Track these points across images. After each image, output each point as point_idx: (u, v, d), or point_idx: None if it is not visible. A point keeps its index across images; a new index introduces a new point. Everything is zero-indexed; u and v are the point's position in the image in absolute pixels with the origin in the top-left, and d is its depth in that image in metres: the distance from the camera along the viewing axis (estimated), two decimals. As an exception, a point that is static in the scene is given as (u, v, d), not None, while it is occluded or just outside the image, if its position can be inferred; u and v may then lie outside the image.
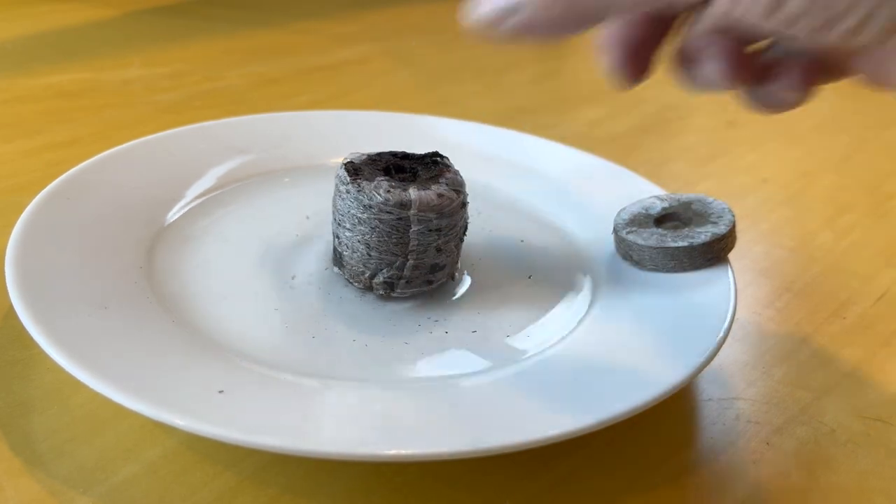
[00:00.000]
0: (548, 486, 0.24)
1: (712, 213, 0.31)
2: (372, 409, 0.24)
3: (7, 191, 0.39)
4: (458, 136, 0.42)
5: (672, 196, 0.33)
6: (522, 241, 0.35)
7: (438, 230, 0.29)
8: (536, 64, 0.73)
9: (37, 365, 0.27)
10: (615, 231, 0.32)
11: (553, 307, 0.31)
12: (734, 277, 0.30)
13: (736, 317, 0.28)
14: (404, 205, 0.28)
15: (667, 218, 0.32)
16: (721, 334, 0.27)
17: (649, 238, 0.31)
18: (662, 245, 0.30)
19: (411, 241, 0.29)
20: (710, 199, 0.32)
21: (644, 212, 0.32)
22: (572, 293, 0.31)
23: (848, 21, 0.18)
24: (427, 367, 0.27)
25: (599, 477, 0.25)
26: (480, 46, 0.75)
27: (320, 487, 0.24)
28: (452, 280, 0.31)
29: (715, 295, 0.29)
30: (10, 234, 0.28)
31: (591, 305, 0.30)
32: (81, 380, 0.22)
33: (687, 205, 0.32)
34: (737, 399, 0.29)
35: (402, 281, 0.30)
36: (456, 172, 0.31)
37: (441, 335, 0.29)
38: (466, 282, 0.32)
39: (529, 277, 0.32)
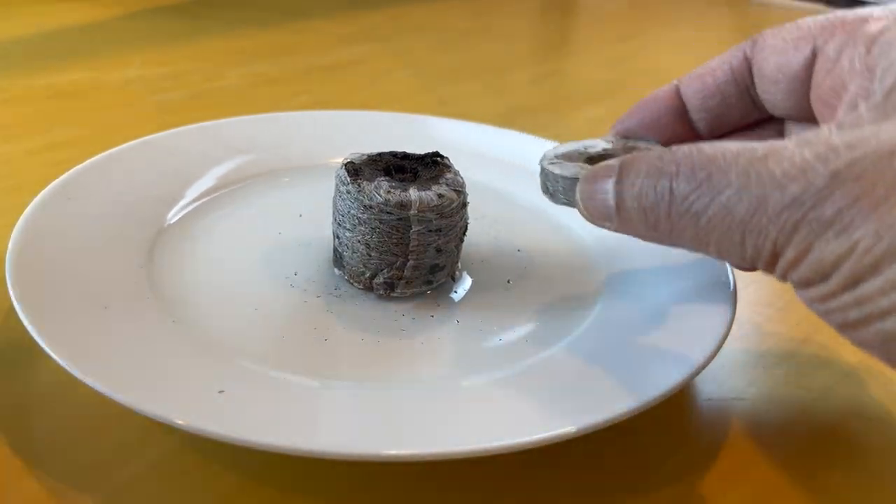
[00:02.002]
0: (548, 486, 0.24)
1: None
2: (372, 409, 0.24)
3: (7, 191, 0.39)
4: (458, 136, 0.42)
5: (621, 139, 0.30)
6: (522, 241, 0.35)
7: (438, 230, 0.29)
8: (536, 64, 0.73)
9: (37, 365, 0.27)
10: (540, 162, 0.28)
11: (553, 307, 0.31)
12: (734, 277, 0.30)
13: (736, 317, 0.28)
14: (404, 205, 0.28)
15: (604, 159, 0.28)
16: (721, 334, 0.27)
17: (568, 169, 0.27)
18: (577, 176, 0.26)
19: (411, 242, 0.29)
20: (659, 147, 0.28)
21: (581, 150, 0.29)
22: (573, 293, 0.31)
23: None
24: (427, 367, 0.27)
25: (599, 477, 0.25)
26: (480, 46, 0.75)
27: (320, 487, 0.24)
28: (452, 280, 0.31)
29: (715, 295, 0.29)
30: (10, 234, 0.28)
31: (591, 306, 0.30)
32: (81, 380, 0.22)
33: (630, 149, 0.29)
34: (737, 399, 0.29)
35: (402, 281, 0.30)
36: (456, 173, 0.31)
37: (441, 335, 0.29)
38: (466, 282, 0.32)
39: (529, 278, 0.32)
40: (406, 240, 0.29)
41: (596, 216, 0.24)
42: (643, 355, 0.26)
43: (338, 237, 0.30)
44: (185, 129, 0.39)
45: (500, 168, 0.40)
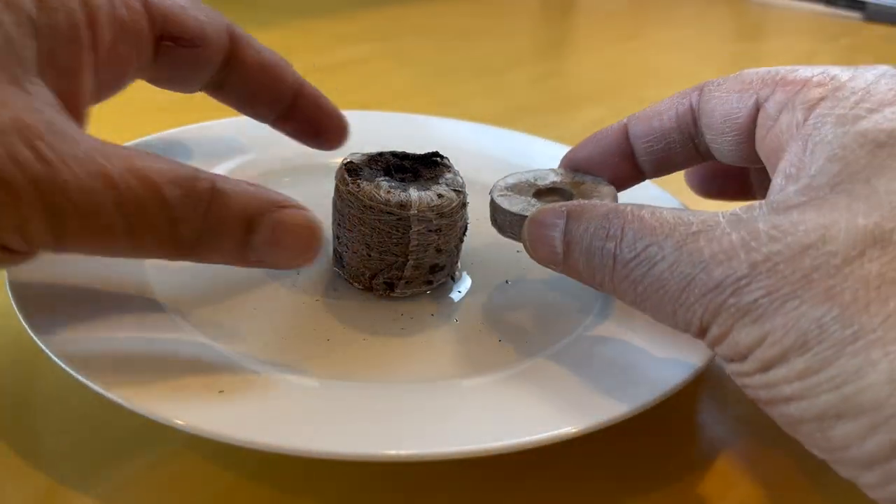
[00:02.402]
0: (548, 486, 0.24)
1: (596, 198, 0.28)
2: (372, 409, 0.24)
3: (7, 191, 0.38)
4: (458, 136, 0.42)
5: (569, 173, 0.30)
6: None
7: (438, 230, 0.29)
8: (536, 64, 0.73)
9: (37, 365, 0.27)
10: (490, 192, 0.29)
11: (553, 308, 0.31)
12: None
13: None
14: (404, 205, 0.28)
15: (552, 192, 0.29)
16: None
17: (516, 204, 0.28)
18: (524, 213, 0.27)
19: (411, 242, 0.29)
20: (605, 185, 0.29)
21: (531, 181, 0.30)
22: (572, 293, 0.31)
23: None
24: (427, 368, 0.27)
25: (599, 477, 0.25)
26: (480, 46, 0.75)
27: (320, 487, 0.24)
28: (452, 280, 0.31)
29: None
30: (10, 234, 0.28)
31: (591, 306, 0.30)
32: (81, 380, 0.22)
33: (578, 184, 0.30)
34: (737, 399, 0.29)
35: (402, 281, 0.30)
36: (456, 173, 0.31)
37: (441, 335, 0.29)
38: (466, 282, 0.32)
39: (528, 278, 0.32)
40: (406, 240, 0.29)
41: (541, 258, 0.25)
42: (643, 356, 0.26)
43: (338, 237, 0.30)
44: (185, 129, 0.39)
45: (500, 168, 0.40)
